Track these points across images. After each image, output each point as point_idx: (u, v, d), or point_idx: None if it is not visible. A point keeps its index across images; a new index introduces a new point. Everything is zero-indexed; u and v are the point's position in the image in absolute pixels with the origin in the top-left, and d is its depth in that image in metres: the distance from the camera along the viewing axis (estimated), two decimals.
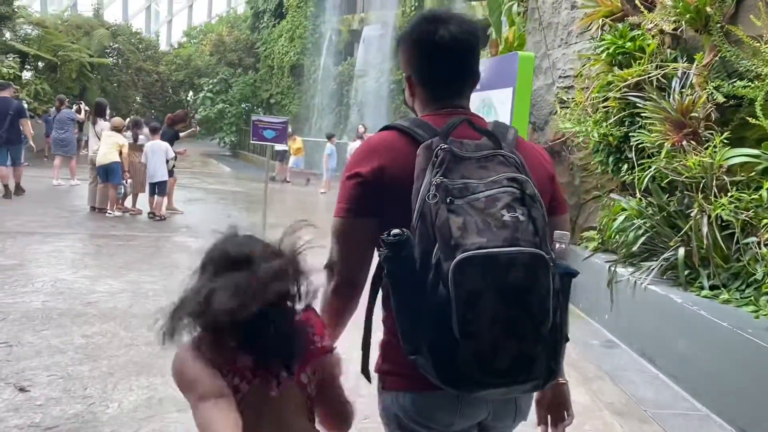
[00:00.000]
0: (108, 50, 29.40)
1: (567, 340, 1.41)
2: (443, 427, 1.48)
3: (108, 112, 11.85)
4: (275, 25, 30.24)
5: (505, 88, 6.33)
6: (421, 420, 1.48)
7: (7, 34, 22.61)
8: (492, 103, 6.63)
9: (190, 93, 34.21)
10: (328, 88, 26.94)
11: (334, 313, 1.56)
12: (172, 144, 10.83)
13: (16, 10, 22.49)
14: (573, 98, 6.17)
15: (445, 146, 1.36)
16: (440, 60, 1.55)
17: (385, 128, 1.56)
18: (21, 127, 10.99)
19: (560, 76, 6.52)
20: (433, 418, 1.47)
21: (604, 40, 5.53)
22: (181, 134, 12.03)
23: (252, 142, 8.46)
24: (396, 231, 1.30)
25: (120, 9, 42.49)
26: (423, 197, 1.32)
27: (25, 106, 13.88)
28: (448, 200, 1.29)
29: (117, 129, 10.22)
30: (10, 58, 20.70)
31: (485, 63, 7.07)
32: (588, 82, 5.89)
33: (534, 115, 6.81)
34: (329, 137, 18.17)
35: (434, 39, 1.52)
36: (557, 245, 1.43)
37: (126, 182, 10.54)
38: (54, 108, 14.29)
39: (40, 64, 24.15)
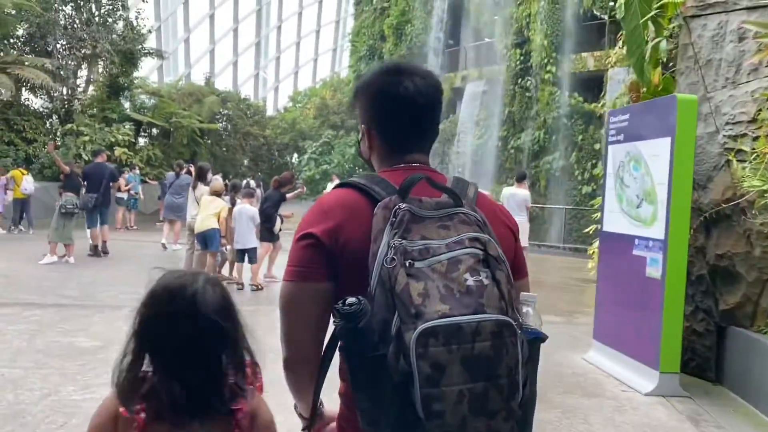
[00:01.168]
0: (218, 116, 30.57)
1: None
2: None
3: (210, 176, 11.64)
4: None
5: (660, 138, 5.17)
6: None
7: (126, 104, 23.86)
8: (641, 157, 5.48)
9: (295, 155, 34.88)
10: None
11: (291, 390, 1.49)
12: (278, 207, 10.37)
13: (134, 80, 23.77)
14: (753, 148, 4.91)
15: (404, 205, 1.29)
16: (402, 113, 1.50)
17: (340, 185, 1.49)
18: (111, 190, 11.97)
19: (727, 123, 5.29)
20: None
21: None
22: (288, 195, 11.56)
23: None
24: (351, 300, 1.19)
25: (230, 77, 44.71)
26: (381, 261, 1.22)
27: (137, 171, 14.11)
28: (407, 264, 1.21)
29: (216, 193, 9.84)
30: (127, 126, 21.65)
31: (628, 110, 5.96)
32: None
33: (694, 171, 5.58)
34: None
35: (397, 91, 1.48)
36: (524, 308, 1.37)
37: (225, 249, 10.09)
38: (173, 173, 14.16)
39: (154, 131, 25.27)
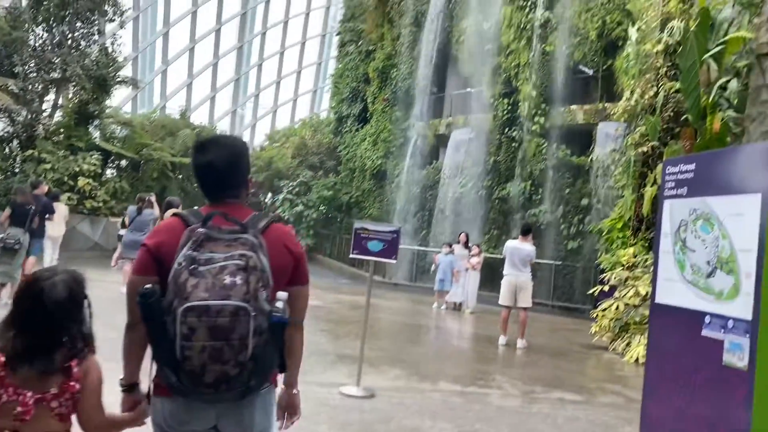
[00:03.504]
0: (191, 151, 29.34)
1: (283, 369, 2.32)
2: (180, 425, 2.20)
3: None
4: (358, 129, 29.71)
5: (745, 194, 4.24)
6: (169, 419, 2.21)
7: (95, 133, 22.56)
8: (713, 216, 4.53)
9: (269, 194, 33.75)
10: (410, 192, 25.67)
11: (127, 347, 2.29)
12: None
13: (105, 109, 22.55)
14: None
15: (202, 230, 2.11)
16: (206, 175, 2.39)
17: (173, 215, 2.36)
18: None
19: None
20: (174, 417, 2.20)
21: None
22: None
23: (352, 256, 6.61)
24: (147, 286, 2.06)
25: (207, 112, 43.73)
26: (176, 264, 2.05)
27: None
28: (191, 267, 2.01)
29: None
30: (94, 156, 20.33)
31: (693, 159, 5.04)
32: None
33: None
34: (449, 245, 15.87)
35: (199, 162, 2.38)
36: (277, 302, 2.11)
37: None
38: (134, 207, 12.47)
39: (123, 163, 23.94)
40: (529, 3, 21.74)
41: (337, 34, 34.69)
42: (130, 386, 2.30)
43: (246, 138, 44.75)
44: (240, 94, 46.85)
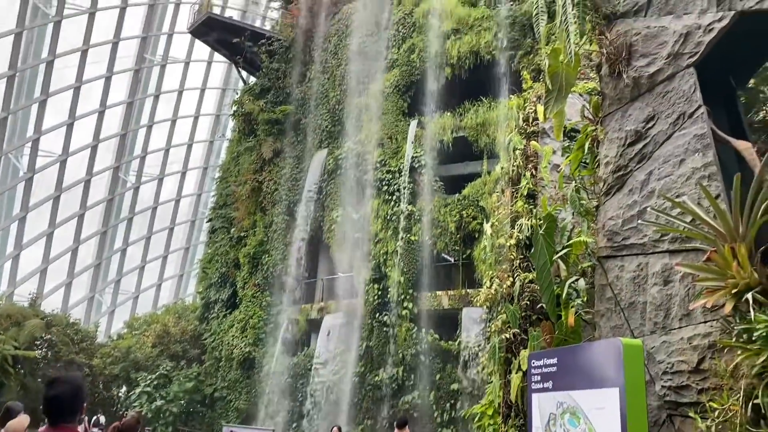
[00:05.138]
0: (38, 342, 26.77)
1: None
2: None
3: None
4: (226, 315, 28.83)
5: (604, 388, 4.49)
6: None
7: None
8: (579, 409, 4.72)
9: (124, 388, 30.90)
10: (281, 381, 24.63)
11: None
12: None
13: None
14: (707, 402, 4.34)
15: None
16: (50, 406, 3.24)
17: None
18: None
19: (665, 372, 4.80)
20: None
21: (754, 323, 3.95)
22: None
23: None
24: None
25: (61, 298, 40.67)
26: None
27: None
28: None
29: None
30: None
31: (555, 353, 5.33)
32: (731, 381, 4.15)
33: None
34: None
35: (47, 395, 3.25)
36: None
37: None
38: None
39: None
40: (394, 197, 23.37)
41: (208, 221, 34.80)
42: None
43: (103, 326, 41.84)
44: (99, 279, 44.46)
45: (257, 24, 38.99)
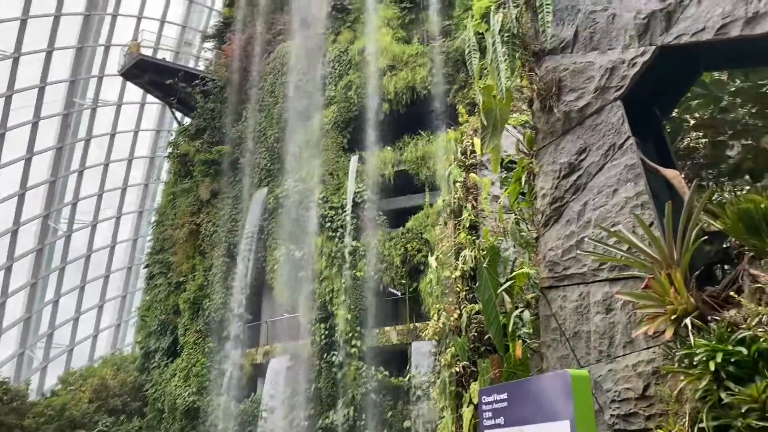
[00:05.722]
0: None
1: None
2: None
3: None
4: (168, 365, 27.75)
5: (555, 421, 4.47)
6: None
7: None
8: None
9: None
10: (227, 430, 23.75)
11: None
12: None
13: None
14: (655, 429, 4.37)
15: None
16: None
17: None
18: None
19: (613, 400, 4.83)
20: None
21: (694, 347, 4.03)
22: None
23: None
24: None
25: None
26: None
27: None
28: None
29: None
30: None
31: (504, 388, 5.29)
32: (676, 406, 4.21)
33: None
34: None
35: None
36: None
37: None
38: None
39: None
40: (338, 234, 23.23)
41: (145, 267, 33.70)
42: None
43: (35, 383, 39.61)
44: (30, 333, 42.18)
45: (191, 64, 38.66)
